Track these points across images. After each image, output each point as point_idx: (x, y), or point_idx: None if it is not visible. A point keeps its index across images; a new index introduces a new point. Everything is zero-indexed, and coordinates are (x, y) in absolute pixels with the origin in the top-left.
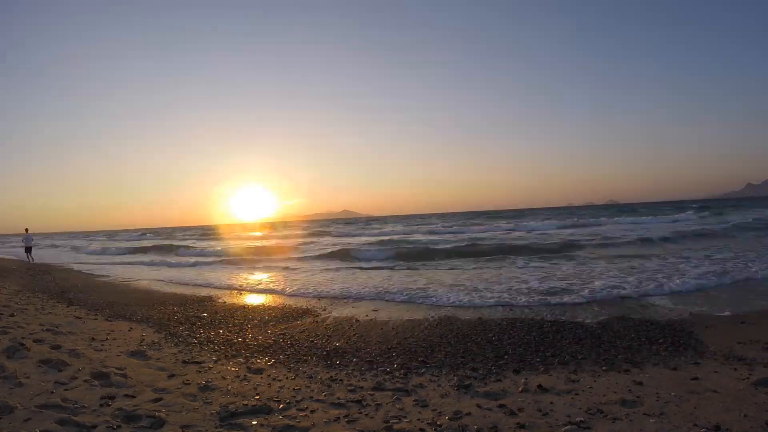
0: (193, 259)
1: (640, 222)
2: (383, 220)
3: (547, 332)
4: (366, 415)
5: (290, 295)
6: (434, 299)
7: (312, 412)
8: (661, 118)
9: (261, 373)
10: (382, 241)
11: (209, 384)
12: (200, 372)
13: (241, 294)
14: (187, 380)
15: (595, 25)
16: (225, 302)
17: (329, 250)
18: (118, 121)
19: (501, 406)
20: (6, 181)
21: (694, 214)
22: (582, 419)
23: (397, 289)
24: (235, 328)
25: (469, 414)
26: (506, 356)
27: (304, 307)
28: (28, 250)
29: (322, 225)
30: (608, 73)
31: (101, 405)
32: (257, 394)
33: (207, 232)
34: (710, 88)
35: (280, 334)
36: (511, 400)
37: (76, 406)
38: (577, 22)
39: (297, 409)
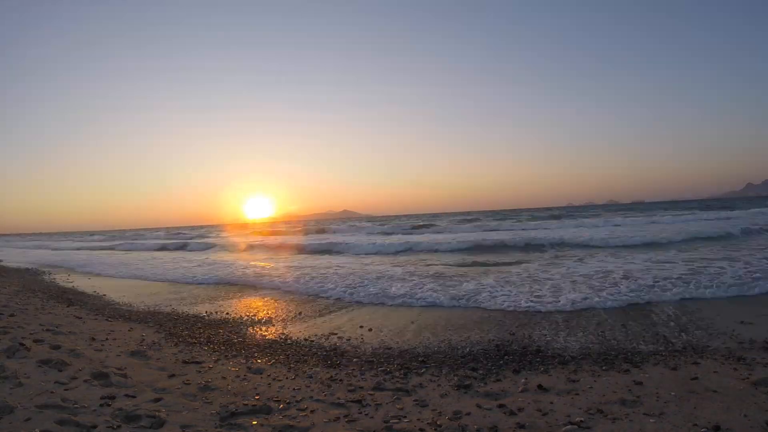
0: (193, 259)
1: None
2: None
3: (547, 332)
4: (366, 415)
5: (290, 294)
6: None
7: (312, 412)
8: (660, 119)
9: (261, 373)
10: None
11: (209, 384)
12: (200, 372)
13: (241, 293)
14: (187, 380)
15: (593, 23)
16: (225, 301)
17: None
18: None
19: (501, 406)
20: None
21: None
22: (582, 419)
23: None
24: (235, 328)
25: (468, 414)
26: (506, 356)
27: (304, 306)
28: None
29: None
30: (608, 72)
31: (101, 405)
32: (257, 394)
33: (207, 232)
34: (710, 87)
35: (280, 334)
36: (511, 400)
37: (76, 406)
38: (577, 21)
39: (297, 409)
